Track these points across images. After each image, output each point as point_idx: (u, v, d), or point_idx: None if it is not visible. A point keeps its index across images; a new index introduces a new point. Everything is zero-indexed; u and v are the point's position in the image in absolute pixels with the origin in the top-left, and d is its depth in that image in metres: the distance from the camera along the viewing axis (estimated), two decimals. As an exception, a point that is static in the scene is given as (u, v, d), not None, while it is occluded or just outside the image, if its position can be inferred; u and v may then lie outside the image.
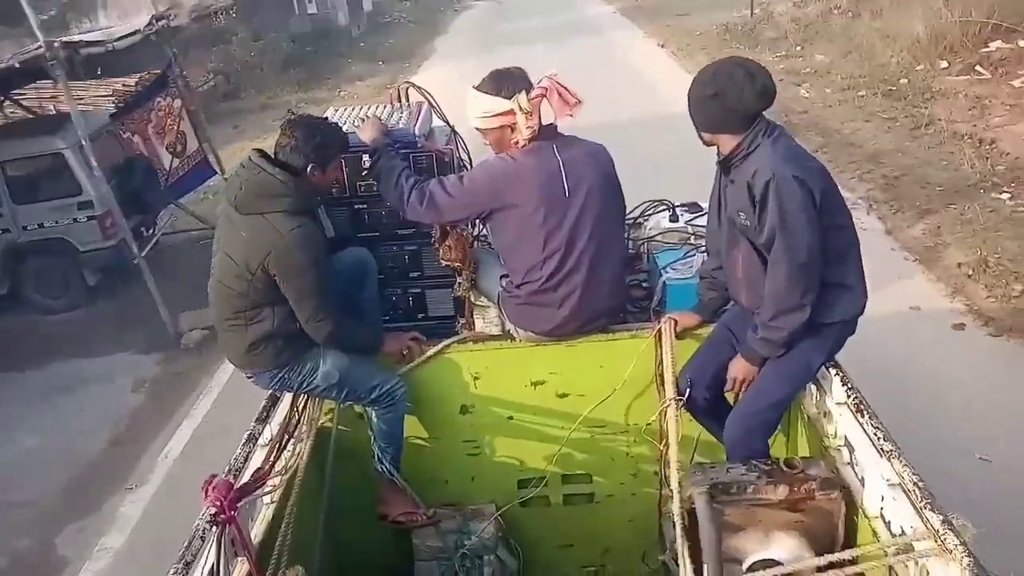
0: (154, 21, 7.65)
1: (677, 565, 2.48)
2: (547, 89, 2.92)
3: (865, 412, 2.51)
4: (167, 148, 8.22)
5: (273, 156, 2.83)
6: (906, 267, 6.23)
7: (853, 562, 2.18)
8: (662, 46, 16.51)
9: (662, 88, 12.16)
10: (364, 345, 3.09)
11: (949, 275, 5.97)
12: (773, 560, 2.39)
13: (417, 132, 3.25)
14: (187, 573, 2.09)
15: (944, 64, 10.87)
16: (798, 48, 14.14)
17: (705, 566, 2.34)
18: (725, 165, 2.75)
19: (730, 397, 3.03)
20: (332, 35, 22.57)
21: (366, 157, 3.08)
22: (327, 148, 2.84)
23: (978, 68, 10.34)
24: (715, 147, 2.76)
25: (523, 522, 3.45)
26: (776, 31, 15.59)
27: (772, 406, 2.84)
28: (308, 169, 2.80)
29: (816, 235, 2.56)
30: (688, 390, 2.94)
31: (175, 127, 8.35)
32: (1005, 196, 6.89)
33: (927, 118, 9.05)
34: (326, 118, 3.07)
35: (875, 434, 2.40)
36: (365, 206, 3.28)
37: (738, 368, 2.85)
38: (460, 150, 3.38)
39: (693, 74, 2.80)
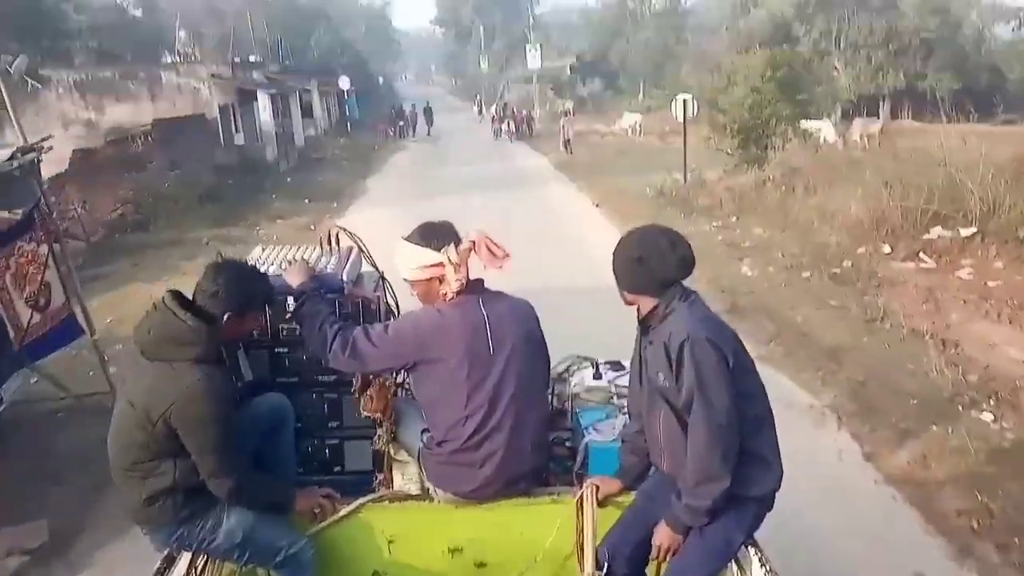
0: (18, 154, 6.10)
1: None
2: (475, 243, 2.97)
3: None
4: (26, 301, 6.20)
5: (191, 299, 2.74)
6: (900, 512, 5.00)
7: None
8: (597, 205, 15.88)
9: (600, 251, 10.92)
10: (272, 504, 2.91)
11: (951, 527, 4.78)
12: None
13: (345, 277, 3.23)
14: None
15: (887, 248, 10.36)
16: (733, 219, 13.52)
17: None
18: (644, 325, 2.83)
19: (651, 570, 2.98)
20: (258, 169, 21.29)
21: (291, 300, 3.02)
22: (250, 299, 2.77)
23: (922, 255, 9.94)
24: (635, 307, 2.84)
25: None
26: (710, 198, 15.05)
27: None
28: (225, 318, 2.71)
29: (731, 398, 2.64)
30: (607, 564, 2.87)
31: (39, 276, 6.36)
32: (987, 418, 6.04)
33: (881, 309, 8.43)
34: (252, 264, 3.01)
35: None
36: (286, 350, 3.20)
37: (663, 536, 2.82)
38: (388, 296, 3.37)
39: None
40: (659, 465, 2.95)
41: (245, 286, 2.76)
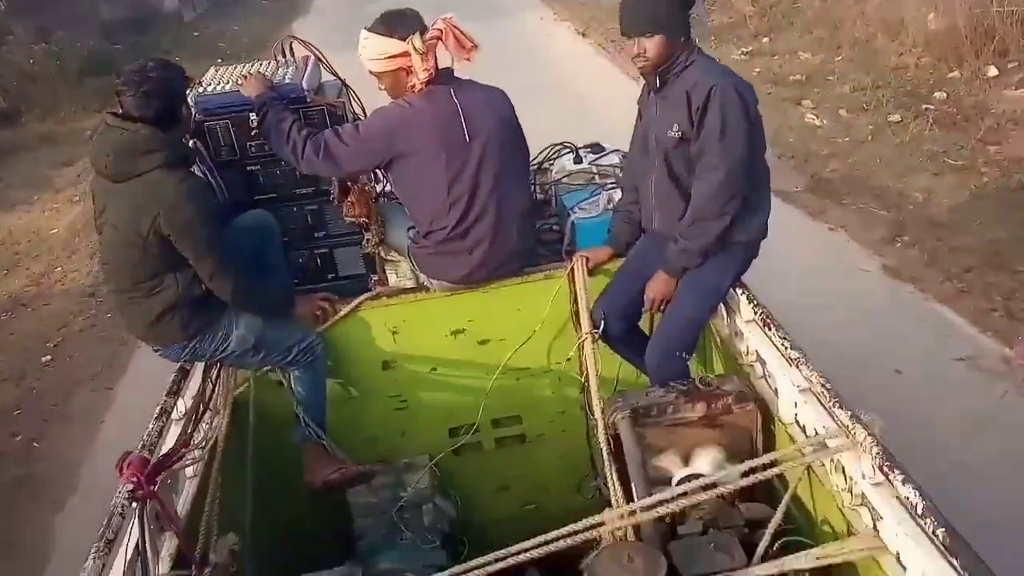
0: None
1: (608, 489, 2.53)
2: (443, 31, 2.86)
3: (772, 326, 2.60)
4: None
5: (125, 115, 2.65)
6: None
7: (772, 465, 2.27)
8: (583, 34, 12.60)
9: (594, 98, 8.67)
10: (275, 305, 2.99)
11: None
12: (698, 475, 2.47)
13: (306, 85, 3.13)
14: (109, 551, 2.01)
15: (994, 71, 7.52)
16: (765, 40, 10.45)
17: (633, 487, 2.41)
18: (662, 77, 2.78)
19: (645, 323, 3.11)
20: (156, 23, 16.91)
21: (253, 115, 2.95)
22: (170, 82, 2.67)
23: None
24: (640, 59, 2.76)
25: (458, 470, 3.46)
26: (730, 14, 11.69)
27: (689, 326, 2.92)
28: (164, 114, 2.63)
29: (748, 148, 2.70)
30: (603, 322, 3.00)
31: None
32: None
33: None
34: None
35: (783, 344, 2.50)
36: (258, 167, 3.15)
37: (657, 285, 2.92)
38: (353, 103, 3.29)
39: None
40: (649, 226, 3.02)
41: (155, 74, 2.63)
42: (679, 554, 2.15)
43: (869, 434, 2.05)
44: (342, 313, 3.11)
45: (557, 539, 2.17)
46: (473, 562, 2.22)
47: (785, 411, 2.52)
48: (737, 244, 2.87)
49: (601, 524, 2.23)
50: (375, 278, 3.32)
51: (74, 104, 11.90)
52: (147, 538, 2.13)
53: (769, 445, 2.60)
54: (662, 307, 2.95)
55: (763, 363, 2.69)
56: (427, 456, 3.34)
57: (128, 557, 2.07)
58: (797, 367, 2.40)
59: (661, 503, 2.22)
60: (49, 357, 6.10)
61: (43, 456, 5.02)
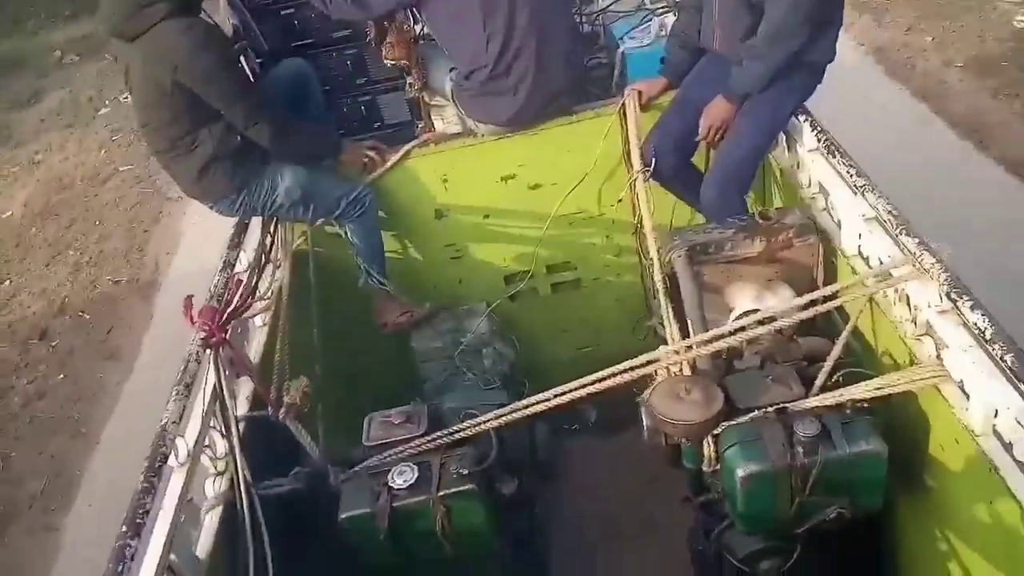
0: None
1: (664, 328, 2.54)
2: None
3: (837, 153, 2.47)
4: None
5: None
6: None
7: (833, 297, 2.22)
8: None
9: None
10: (320, 149, 2.97)
11: None
12: (756, 311, 2.45)
13: None
14: (188, 395, 2.12)
15: None
16: None
17: (690, 324, 2.40)
18: None
19: (700, 159, 3.00)
20: None
21: None
22: None
23: None
24: None
25: (515, 316, 3.52)
26: None
27: (747, 159, 2.81)
28: None
29: None
30: (654, 159, 2.89)
31: None
32: None
33: None
34: None
35: (848, 172, 2.38)
36: (292, 10, 3.04)
37: (715, 112, 2.76)
38: None
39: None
40: (710, 45, 2.82)
41: None
42: (735, 387, 2.16)
43: (937, 261, 1.98)
44: (391, 162, 3.07)
45: (613, 375, 2.21)
46: (533, 398, 2.29)
47: (848, 242, 2.44)
48: (802, 66, 2.67)
49: (657, 360, 2.25)
50: (421, 125, 3.25)
51: (43, 8, 9.58)
52: (223, 381, 2.24)
53: (831, 279, 2.53)
54: (719, 136, 2.80)
55: (826, 194, 2.58)
56: (484, 303, 3.39)
57: (207, 400, 2.19)
58: (863, 195, 2.29)
59: (717, 338, 2.22)
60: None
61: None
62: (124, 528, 1.73)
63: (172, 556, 1.86)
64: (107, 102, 7.69)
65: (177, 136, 2.67)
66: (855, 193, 2.35)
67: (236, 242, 2.81)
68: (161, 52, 2.53)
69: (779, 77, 2.64)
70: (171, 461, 1.95)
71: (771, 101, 2.69)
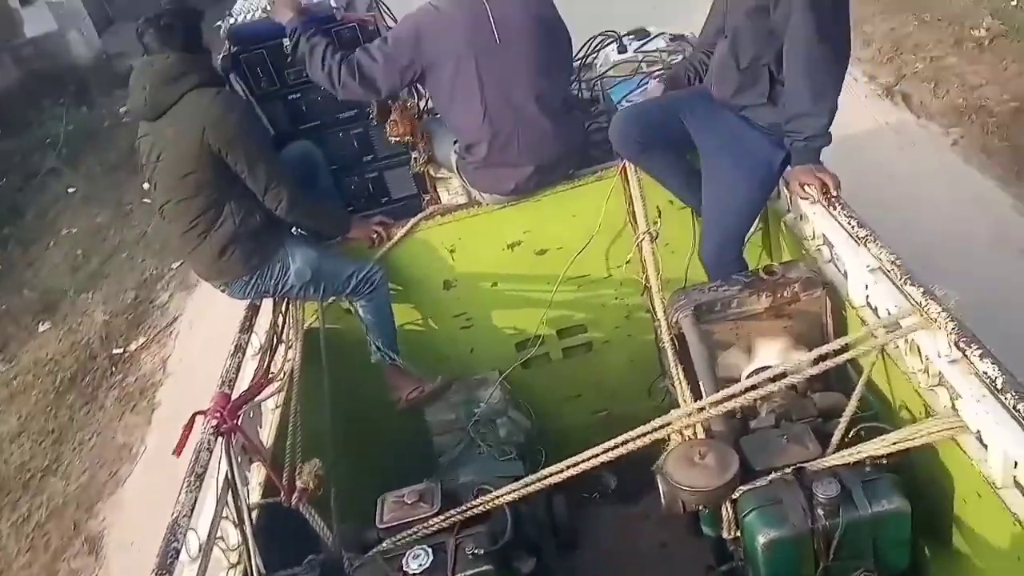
0: None
1: (675, 390, 2.51)
2: None
3: (837, 205, 2.47)
4: None
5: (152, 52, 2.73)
6: None
7: (844, 349, 2.19)
8: None
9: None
10: (330, 224, 3.06)
11: None
12: (768, 368, 2.42)
13: (335, 3, 3.05)
14: (200, 486, 2.12)
15: None
16: None
17: (701, 385, 2.38)
18: None
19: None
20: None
21: (286, 41, 2.91)
22: (187, 13, 2.78)
23: None
24: None
25: (528, 383, 3.50)
26: None
27: (740, 211, 2.81)
28: (189, 40, 2.71)
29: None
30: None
31: None
32: None
33: None
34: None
35: (849, 224, 2.37)
36: (299, 95, 3.13)
37: (806, 175, 2.59)
38: (384, 16, 3.21)
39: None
40: (708, 86, 2.84)
41: (183, 7, 2.78)
42: (751, 448, 2.13)
43: (943, 309, 1.95)
44: (398, 236, 3.12)
45: (627, 442, 2.18)
46: (548, 470, 2.26)
47: (855, 294, 2.41)
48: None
49: (669, 424, 2.23)
50: (427, 197, 3.30)
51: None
52: (235, 470, 2.24)
53: (840, 331, 2.50)
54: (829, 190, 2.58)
55: (830, 245, 2.56)
56: (497, 372, 3.39)
57: (220, 488, 2.19)
58: (866, 245, 2.28)
59: (729, 398, 2.19)
60: None
61: None
62: None
63: None
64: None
65: (201, 210, 2.75)
66: (858, 244, 2.34)
67: (248, 325, 2.85)
68: (191, 116, 2.66)
69: (762, 138, 2.64)
70: (183, 556, 1.94)
71: (758, 157, 2.69)
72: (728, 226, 2.79)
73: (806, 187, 2.58)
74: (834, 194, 2.52)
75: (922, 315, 2.02)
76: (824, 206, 2.55)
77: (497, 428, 3.28)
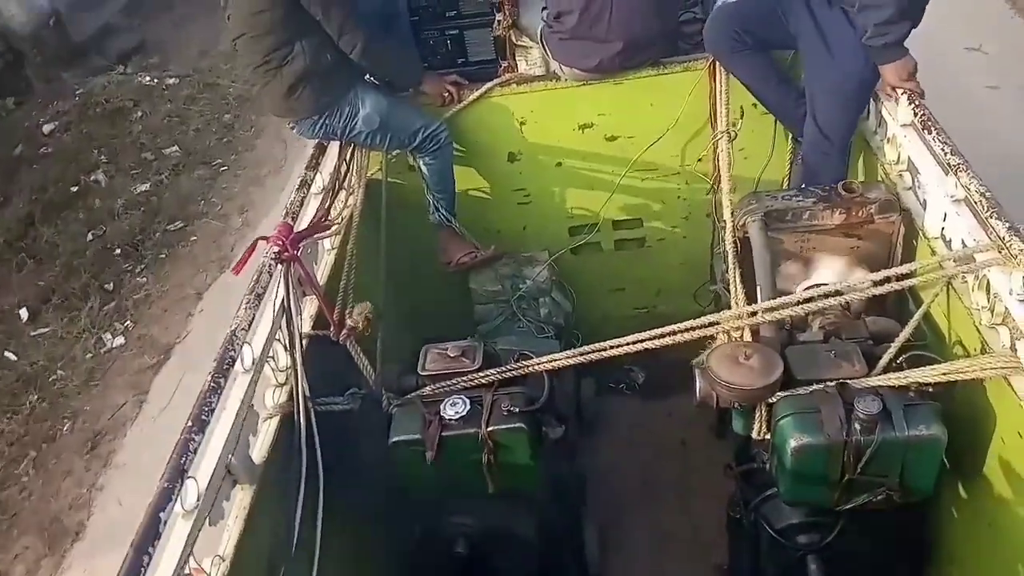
0: None
1: (728, 293, 2.50)
2: None
3: (932, 129, 2.37)
4: None
5: None
6: None
7: (909, 276, 2.16)
8: None
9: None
10: (404, 72, 3.01)
11: None
12: (827, 284, 2.39)
13: None
14: (258, 305, 2.19)
15: None
16: None
17: (759, 289, 2.36)
18: None
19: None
20: None
21: None
22: None
23: None
24: None
25: (576, 268, 3.51)
26: None
27: (844, 109, 2.68)
28: None
29: None
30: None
31: None
32: None
33: None
34: None
35: (942, 150, 2.28)
36: None
37: (892, 77, 2.51)
38: None
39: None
40: None
41: None
42: (796, 358, 2.12)
43: (1027, 248, 1.89)
44: (470, 99, 3.06)
45: (673, 333, 2.19)
46: (586, 347, 2.30)
47: (932, 224, 2.35)
48: None
49: (718, 323, 2.23)
50: (504, 64, 3.22)
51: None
52: (291, 297, 2.30)
53: (908, 259, 2.45)
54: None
55: (915, 171, 2.47)
56: (547, 252, 3.39)
57: (275, 312, 2.26)
58: (955, 174, 2.19)
59: (783, 307, 2.18)
60: None
61: None
62: (190, 423, 1.81)
63: (231, 457, 1.94)
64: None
65: (272, 47, 2.72)
66: (946, 172, 2.25)
67: (314, 164, 2.86)
68: None
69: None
70: (237, 366, 2.02)
71: (860, 49, 2.52)
72: (835, 126, 2.67)
73: (896, 90, 2.50)
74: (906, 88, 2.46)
75: (1001, 251, 1.96)
76: (917, 129, 2.45)
77: (539, 307, 3.32)
